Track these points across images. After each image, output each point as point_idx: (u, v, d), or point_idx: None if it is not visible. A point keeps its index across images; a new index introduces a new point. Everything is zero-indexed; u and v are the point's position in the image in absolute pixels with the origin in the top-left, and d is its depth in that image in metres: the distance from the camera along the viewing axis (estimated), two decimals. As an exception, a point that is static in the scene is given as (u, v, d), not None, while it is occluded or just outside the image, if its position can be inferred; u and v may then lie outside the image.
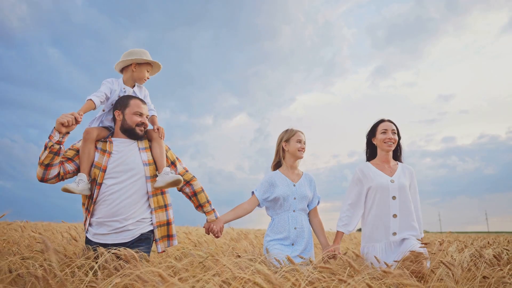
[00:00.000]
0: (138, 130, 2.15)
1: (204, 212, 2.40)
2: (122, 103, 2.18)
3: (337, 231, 2.43)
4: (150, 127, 2.33)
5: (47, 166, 1.95)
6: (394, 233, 2.26)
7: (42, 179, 1.99)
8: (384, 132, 2.38)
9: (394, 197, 2.29)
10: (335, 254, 2.29)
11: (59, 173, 2.02)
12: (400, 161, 2.50)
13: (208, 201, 2.38)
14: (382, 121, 2.46)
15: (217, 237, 2.35)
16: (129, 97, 2.20)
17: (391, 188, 2.30)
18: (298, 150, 2.53)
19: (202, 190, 2.37)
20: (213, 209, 2.41)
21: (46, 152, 1.91)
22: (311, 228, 2.56)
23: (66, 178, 2.09)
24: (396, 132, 2.41)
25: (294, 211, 2.47)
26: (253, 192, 2.57)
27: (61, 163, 2.05)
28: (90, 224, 2.06)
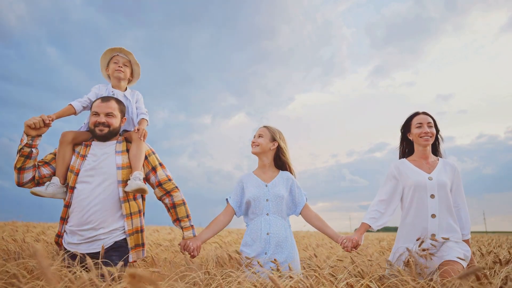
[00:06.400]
0: (97, 130, 2.06)
1: (182, 228, 2.21)
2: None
3: (362, 223, 2.27)
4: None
5: (19, 170, 1.95)
6: (433, 235, 2.11)
7: (18, 184, 1.98)
8: (419, 126, 2.25)
9: (432, 196, 2.15)
10: (356, 244, 2.16)
11: (34, 177, 2.00)
12: (441, 156, 2.35)
13: (187, 216, 2.22)
14: (416, 114, 2.32)
15: (193, 256, 2.13)
16: (95, 100, 2.14)
17: (429, 186, 2.16)
18: (251, 147, 2.44)
19: (183, 203, 2.22)
20: (192, 226, 2.23)
21: (18, 155, 1.93)
22: (293, 239, 2.31)
23: (43, 182, 2.05)
24: (432, 125, 2.26)
25: (267, 214, 2.26)
26: (227, 200, 2.39)
27: (37, 167, 2.03)
28: (65, 231, 2.01)
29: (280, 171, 2.43)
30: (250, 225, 2.29)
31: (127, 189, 1.95)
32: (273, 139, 2.39)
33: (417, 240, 2.10)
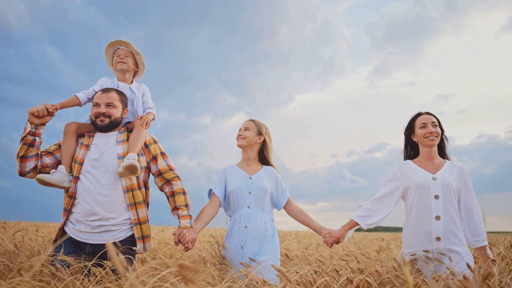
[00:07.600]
0: (98, 121, 2.07)
1: (179, 216, 2.10)
2: None
3: (351, 220, 2.23)
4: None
5: (22, 158, 1.96)
6: (438, 238, 1.99)
7: (21, 173, 1.99)
8: (424, 126, 2.17)
9: (436, 196, 2.05)
10: (337, 241, 2.15)
11: (36, 166, 2.01)
12: (448, 158, 2.26)
13: (186, 205, 2.15)
14: (419, 114, 2.25)
15: (187, 249, 2.01)
16: (97, 92, 2.15)
17: (433, 186, 2.07)
18: (237, 140, 2.43)
19: (183, 193, 2.17)
20: (190, 215, 2.12)
21: (21, 143, 1.94)
22: (274, 234, 2.28)
23: (46, 172, 2.03)
24: (437, 124, 2.18)
25: (248, 207, 2.24)
26: (211, 190, 2.36)
27: (40, 156, 2.03)
28: (70, 221, 2.00)
29: (264, 166, 2.42)
30: (232, 218, 2.29)
31: (118, 170, 1.92)
32: (259, 133, 2.39)
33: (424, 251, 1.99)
